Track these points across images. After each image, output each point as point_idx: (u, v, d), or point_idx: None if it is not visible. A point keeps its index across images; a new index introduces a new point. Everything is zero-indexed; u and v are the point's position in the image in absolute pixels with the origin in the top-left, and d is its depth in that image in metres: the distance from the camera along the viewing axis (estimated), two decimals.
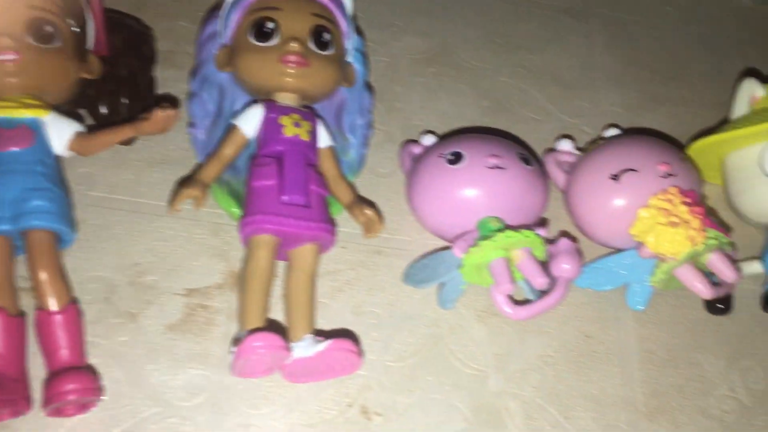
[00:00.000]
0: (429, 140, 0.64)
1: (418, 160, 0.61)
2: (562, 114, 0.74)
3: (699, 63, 0.83)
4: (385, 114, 0.70)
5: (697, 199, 0.58)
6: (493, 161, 0.57)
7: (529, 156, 0.60)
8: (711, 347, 0.61)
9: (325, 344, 0.49)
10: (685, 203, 0.57)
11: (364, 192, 0.63)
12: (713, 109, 0.77)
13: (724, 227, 0.59)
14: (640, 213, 0.57)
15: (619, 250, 0.61)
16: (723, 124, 0.68)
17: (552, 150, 0.67)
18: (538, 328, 0.60)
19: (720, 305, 0.62)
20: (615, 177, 0.58)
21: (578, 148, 0.67)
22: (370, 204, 0.59)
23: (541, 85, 0.76)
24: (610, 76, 0.79)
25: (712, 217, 0.58)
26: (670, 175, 0.58)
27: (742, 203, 0.65)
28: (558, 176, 0.64)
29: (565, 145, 0.66)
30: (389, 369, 0.55)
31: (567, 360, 0.58)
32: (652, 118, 0.76)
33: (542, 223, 0.61)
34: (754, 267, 0.63)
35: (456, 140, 0.60)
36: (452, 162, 0.58)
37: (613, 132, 0.67)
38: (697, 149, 0.65)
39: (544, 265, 0.57)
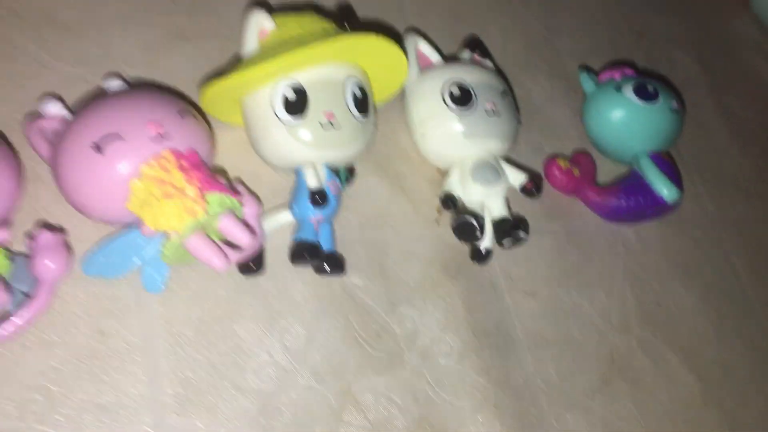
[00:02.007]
0: None
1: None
2: (60, 62, 0.64)
3: None
4: None
5: (196, 161, 0.54)
6: None
7: None
8: (248, 313, 0.59)
9: None
10: (181, 168, 0.52)
11: None
12: None
13: (233, 188, 0.56)
14: (133, 185, 0.52)
15: (127, 227, 0.55)
16: (236, 62, 0.64)
17: (36, 115, 0.58)
18: (37, 339, 0.52)
19: (251, 264, 0.59)
20: (98, 147, 0.51)
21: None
22: None
23: (32, 31, 0.65)
24: (123, 11, 0.70)
25: (218, 178, 0.55)
26: (163, 136, 0.53)
27: (262, 149, 0.62)
28: (41, 147, 0.56)
29: (52, 108, 0.57)
30: None
31: (78, 370, 0.52)
32: (176, 57, 0.69)
33: (3, 223, 0.52)
34: (284, 216, 0.62)
35: None
36: None
37: (115, 84, 0.60)
38: (210, 95, 0.61)
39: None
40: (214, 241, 0.54)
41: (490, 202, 0.68)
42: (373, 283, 0.65)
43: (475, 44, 0.78)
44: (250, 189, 0.61)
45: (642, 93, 0.78)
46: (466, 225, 0.65)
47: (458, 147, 0.69)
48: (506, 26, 0.91)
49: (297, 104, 0.59)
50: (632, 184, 0.77)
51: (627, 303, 0.75)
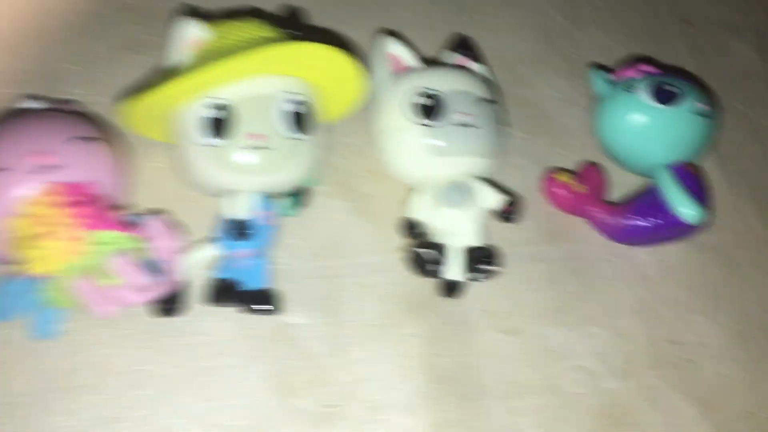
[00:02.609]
0: None
1: None
2: None
3: None
4: None
5: (89, 194, 0.48)
6: None
7: None
8: (159, 360, 0.53)
9: None
10: (67, 204, 0.47)
11: None
12: None
13: (131, 223, 0.50)
14: (11, 223, 0.47)
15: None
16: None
17: None
18: None
19: (164, 306, 0.53)
20: None
21: None
22: None
23: None
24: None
25: (112, 213, 0.49)
26: (55, 167, 0.48)
27: (184, 174, 0.56)
28: None
29: None
30: None
31: None
32: (119, 69, 0.64)
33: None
34: (210, 250, 0.55)
35: None
36: None
37: (31, 104, 0.55)
38: (128, 113, 0.55)
39: None
40: (99, 285, 0.48)
41: (458, 228, 0.59)
42: (318, 322, 0.57)
43: (461, 44, 0.69)
44: (178, 217, 0.55)
45: (661, 94, 0.66)
46: (415, 257, 0.57)
47: (425, 165, 0.60)
48: (518, 20, 0.81)
49: (220, 124, 0.53)
50: (648, 202, 0.66)
51: (634, 342, 0.64)
